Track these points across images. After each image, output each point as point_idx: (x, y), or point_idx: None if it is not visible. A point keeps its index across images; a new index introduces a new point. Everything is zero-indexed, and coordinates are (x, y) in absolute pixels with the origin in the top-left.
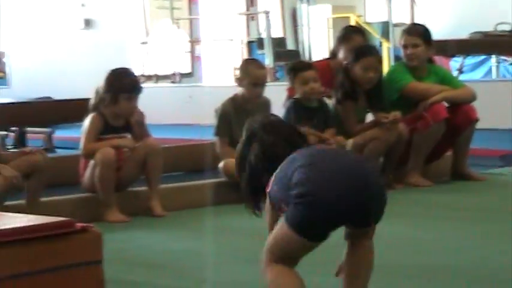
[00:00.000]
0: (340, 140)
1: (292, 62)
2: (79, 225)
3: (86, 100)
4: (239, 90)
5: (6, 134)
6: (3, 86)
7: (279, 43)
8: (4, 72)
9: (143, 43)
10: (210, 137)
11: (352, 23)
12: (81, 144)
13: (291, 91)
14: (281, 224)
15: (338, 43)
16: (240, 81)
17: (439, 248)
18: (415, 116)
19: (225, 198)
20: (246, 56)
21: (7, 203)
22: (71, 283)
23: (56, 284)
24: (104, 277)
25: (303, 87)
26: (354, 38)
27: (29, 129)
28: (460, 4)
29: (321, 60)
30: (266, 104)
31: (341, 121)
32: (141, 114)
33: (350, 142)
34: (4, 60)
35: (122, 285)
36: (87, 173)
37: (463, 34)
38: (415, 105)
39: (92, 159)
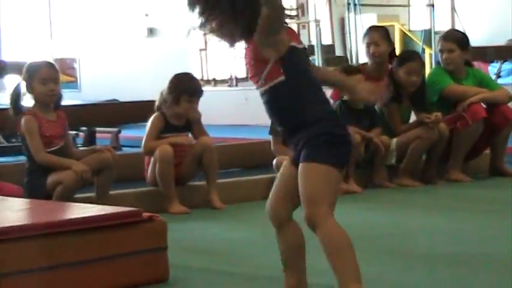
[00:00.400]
0: (385, 139)
1: (342, 67)
2: (146, 214)
3: (149, 102)
4: None
5: (77, 134)
6: (74, 90)
7: (328, 50)
8: (75, 77)
9: (202, 50)
10: (264, 136)
11: (396, 31)
12: (143, 142)
13: (335, 95)
14: (321, 171)
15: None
16: None
17: (476, 238)
18: (455, 116)
19: None
20: None
21: (78, 195)
22: (140, 268)
23: (126, 269)
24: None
25: None
26: (368, 36)
27: (97, 129)
28: (498, 13)
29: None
30: None
31: (386, 121)
32: (198, 114)
33: (394, 141)
34: (75, 66)
35: (184, 271)
36: (150, 169)
37: (501, 41)
38: (455, 106)
39: (152, 155)
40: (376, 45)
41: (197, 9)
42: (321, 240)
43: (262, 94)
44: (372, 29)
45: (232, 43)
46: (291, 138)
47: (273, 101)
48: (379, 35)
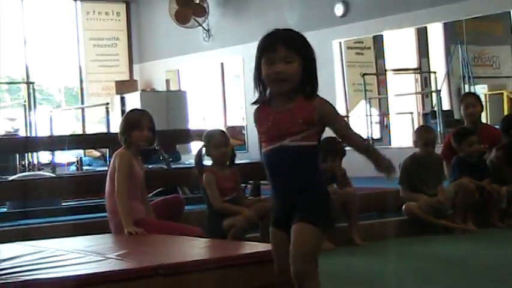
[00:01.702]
0: (496, 187)
1: (459, 128)
2: None
3: None
4: (417, 150)
5: (246, 186)
6: (243, 151)
7: (447, 114)
8: (243, 141)
9: (344, 116)
10: (395, 186)
11: (504, 98)
12: None
13: (448, 150)
14: (314, 232)
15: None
16: (415, 143)
17: None
18: None
19: (406, 231)
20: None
21: (248, 235)
22: None
23: None
24: None
25: (469, 148)
26: (466, 99)
27: (261, 182)
28: None
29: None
30: (438, 160)
31: (496, 172)
32: (342, 170)
33: (504, 189)
34: (244, 132)
35: None
36: None
37: None
38: None
39: None
40: (473, 107)
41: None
42: None
43: (287, 149)
44: (469, 94)
45: (287, 89)
46: (288, 196)
47: (297, 157)
48: (474, 99)
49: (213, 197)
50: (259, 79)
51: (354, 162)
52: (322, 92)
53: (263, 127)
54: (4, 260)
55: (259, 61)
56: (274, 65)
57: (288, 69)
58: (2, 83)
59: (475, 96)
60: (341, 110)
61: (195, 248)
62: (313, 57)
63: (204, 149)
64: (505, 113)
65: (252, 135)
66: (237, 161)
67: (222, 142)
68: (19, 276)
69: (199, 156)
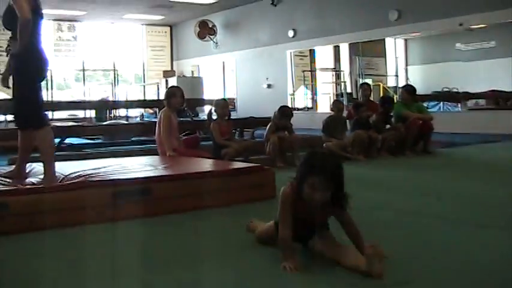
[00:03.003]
0: (375, 135)
1: (354, 103)
2: (263, 167)
3: (268, 118)
4: (332, 113)
5: (235, 131)
6: (233, 111)
7: (349, 95)
8: (235, 106)
9: (291, 94)
10: (319, 133)
11: (381, 87)
12: (265, 134)
13: (350, 114)
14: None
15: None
16: (332, 109)
17: (422, 179)
18: (406, 125)
19: None
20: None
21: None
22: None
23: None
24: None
25: (361, 114)
26: (363, 87)
27: (244, 129)
28: (429, 75)
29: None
30: (344, 119)
31: (376, 127)
32: (290, 124)
33: (380, 136)
34: (235, 101)
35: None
36: (268, 148)
37: (429, 91)
38: (406, 120)
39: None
40: (366, 90)
41: (322, 177)
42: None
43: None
44: (365, 83)
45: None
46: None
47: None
48: (368, 86)
49: (216, 137)
50: (301, 184)
51: (298, 119)
52: (281, 81)
53: (301, 213)
54: (100, 168)
55: (305, 175)
56: (315, 190)
57: (323, 196)
58: (99, 70)
59: (368, 84)
60: (290, 91)
61: (207, 164)
62: (343, 184)
63: (213, 109)
64: (381, 95)
65: (240, 102)
66: (232, 117)
67: (224, 105)
68: (109, 176)
69: (209, 114)
